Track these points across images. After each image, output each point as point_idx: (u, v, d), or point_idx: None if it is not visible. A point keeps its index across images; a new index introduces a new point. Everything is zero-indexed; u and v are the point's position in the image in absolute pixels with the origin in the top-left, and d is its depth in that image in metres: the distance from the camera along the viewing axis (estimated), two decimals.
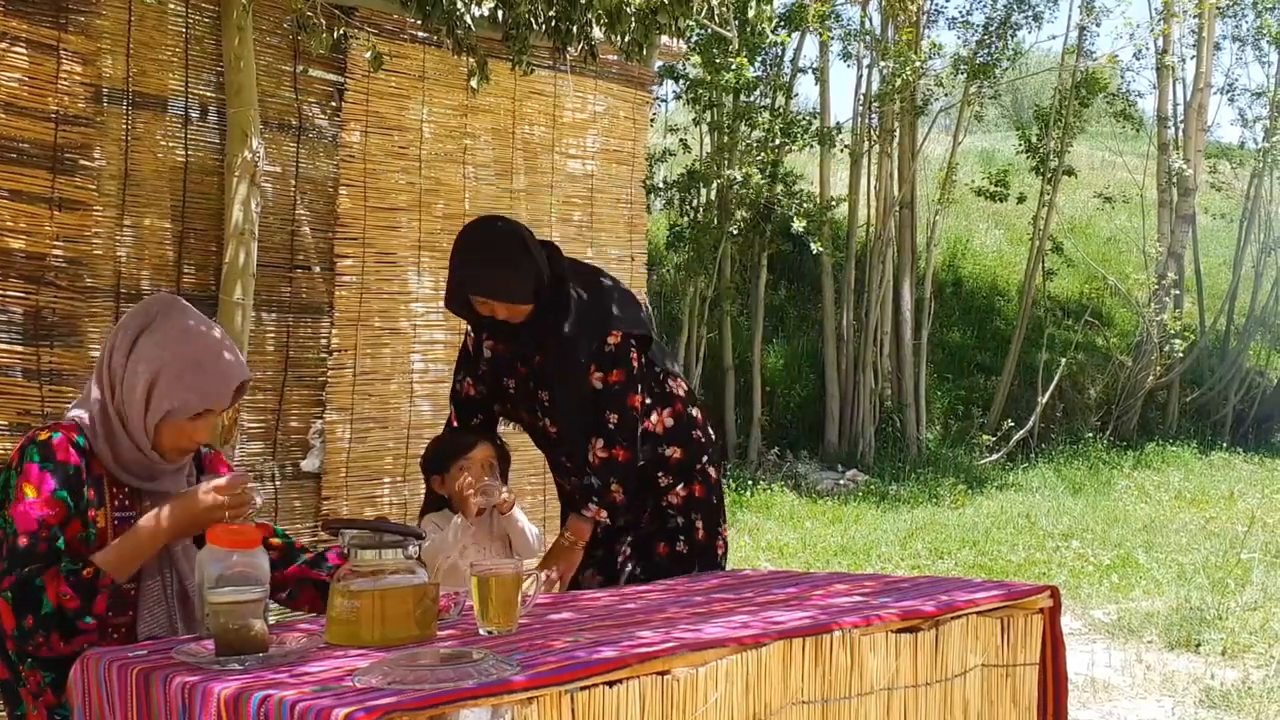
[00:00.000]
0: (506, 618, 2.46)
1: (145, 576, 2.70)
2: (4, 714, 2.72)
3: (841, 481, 12.19)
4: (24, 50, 3.87)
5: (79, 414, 2.73)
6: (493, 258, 3.39)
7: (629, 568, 3.58)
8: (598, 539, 3.52)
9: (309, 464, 4.59)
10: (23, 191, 3.88)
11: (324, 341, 4.66)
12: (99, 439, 2.69)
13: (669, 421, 3.59)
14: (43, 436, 2.66)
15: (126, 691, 2.21)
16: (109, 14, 4.06)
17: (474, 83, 4.50)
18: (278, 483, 4.51)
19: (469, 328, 3.67)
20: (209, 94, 4.32)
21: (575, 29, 4.39)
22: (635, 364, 3.50)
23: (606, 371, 3.47)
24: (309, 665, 2.17)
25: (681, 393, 3.66)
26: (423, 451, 3.64)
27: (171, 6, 4.21)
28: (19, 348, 3.89)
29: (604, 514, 3.44)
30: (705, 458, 3.67)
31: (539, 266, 3.43)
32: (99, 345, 4.05)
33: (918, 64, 12.74)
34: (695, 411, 3.68)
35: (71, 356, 3.99)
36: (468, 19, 4.29)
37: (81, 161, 4.00)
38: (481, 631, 2.45)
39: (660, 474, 3.58)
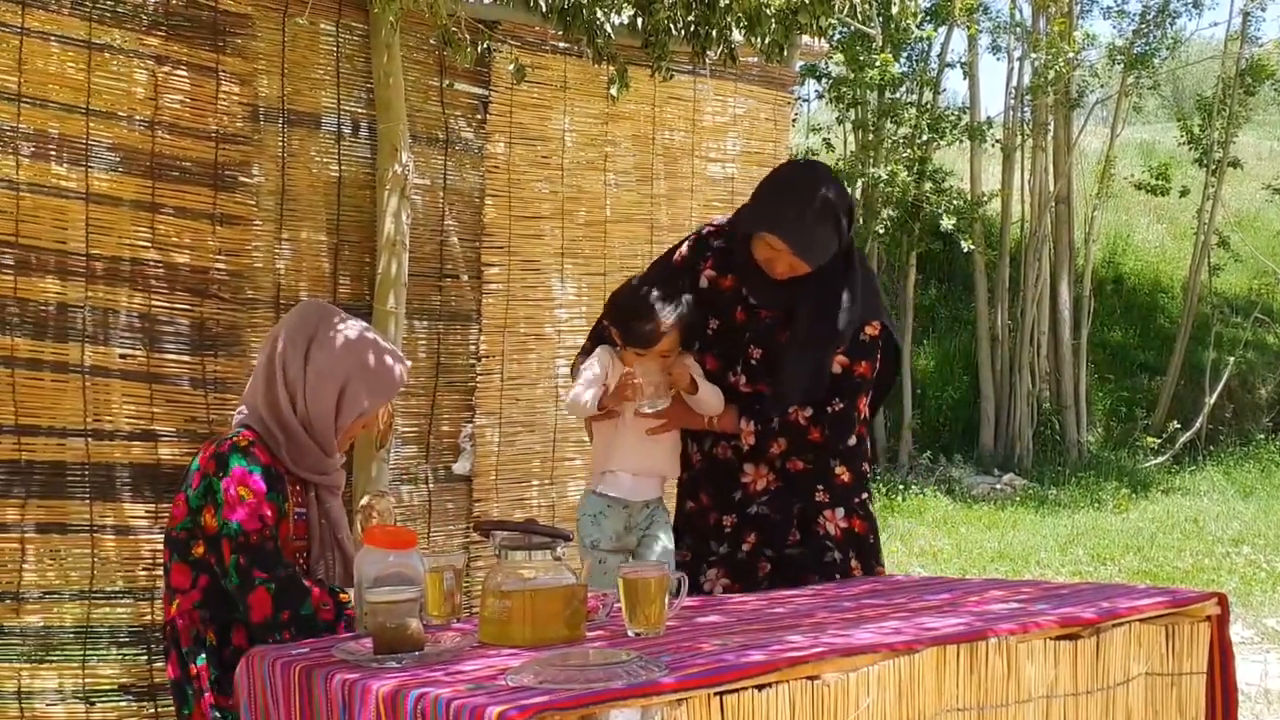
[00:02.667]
0: (655, 620, 2.47)
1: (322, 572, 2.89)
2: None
3: (998, 486, 11.93)
4: (185, 73, 4.02)
5: (250, 423, 2.88)
6: (818, 212, 3.18)
7: (765, 585, 3.35)
8: (736, 539, 3.36)
9: (460, 467, 4.67)
10: (187, 208, 4.04)
11: (472, 348, 4.74)
12: (280, 445, 2.87)
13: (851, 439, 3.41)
14: (242, 443, 2.81)
15: (289, 688, 2.28)
16: (264, 35, 4.20)
17: (614, 90, 4.53)
18: (431, 485, 4.61)
19: (690, 243, 3.46)
20: (360, 110, 4.43)
21: (714, 33, 4.39)
22: (878, 362, 3.36)
23: (855, 360, 3.30)
24: (463, 664, 2.20)
25: (865, 415, 3.46)
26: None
27: (323, 27, 4.34)
28: (185, 357, 4.04)
29: (751, 439, 3.27)
30: (866, 493, 3.48)
31: (845, 236, 3.26)
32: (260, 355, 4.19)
33: (1071, 55, 12.41)
34: (868, 441, 3.51)
35: (234, 365, 4.13)
36: (608, 28, 4.33)
37: (241, 178, 4.14)
38: (630, 633, 2.46)
39: (820, 488, 3.36)
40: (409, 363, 3.09)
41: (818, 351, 3.28)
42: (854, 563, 3.39)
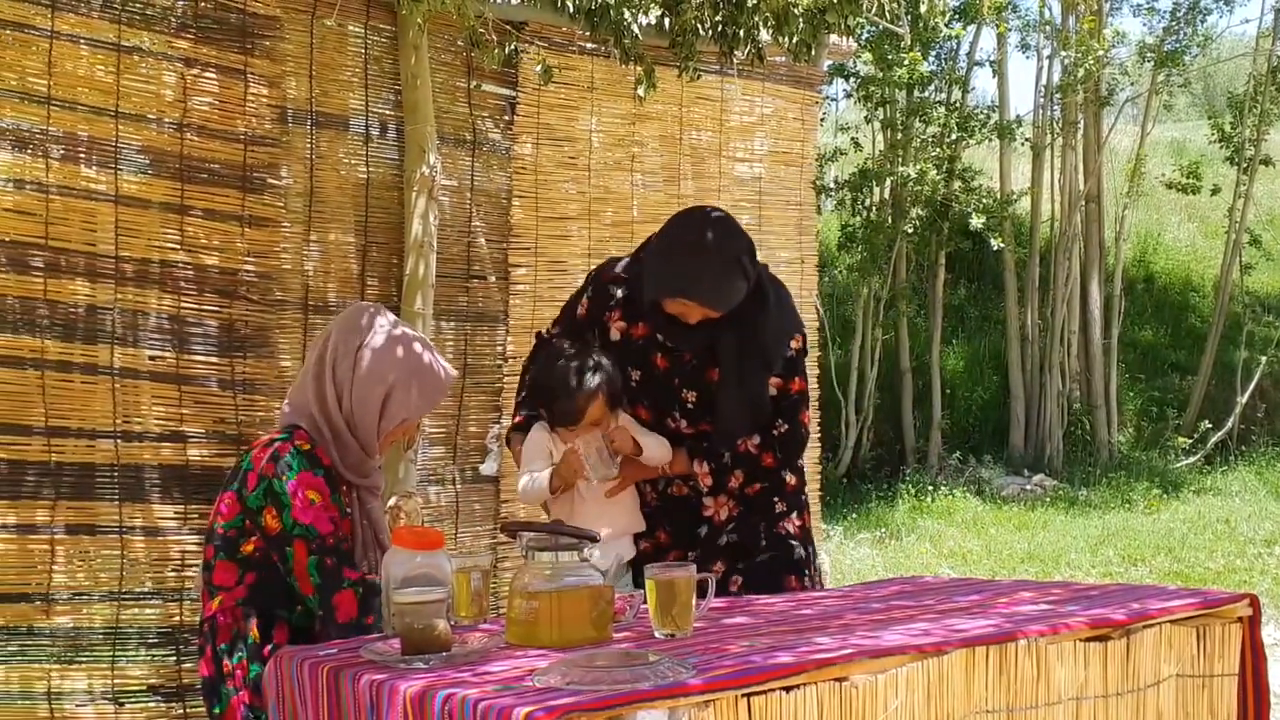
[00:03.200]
0: (682, 621, 2.46)
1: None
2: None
3: (1028, 486, 11.86)
4: (214, 75, 4.05)
5: (299, 421, 2.91)
6: (724, 266, 3.11)
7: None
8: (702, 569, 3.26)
9: (487, 468, 4.68)
10: (215, 210, 4.06)
11: (499, 349, 4.75)
12: (328, 444, 2.90)
13: None
14: (304, 446, 2.84)
15: (317, 688, 2.28)
16: (292, 38, 4.22)
17: (641, 91, 4.53)
18: (458, 486, 4.62)
19: (589, 295, 3.36)
20: (387, 112, 4.45)
21: (742, 32, 4.38)
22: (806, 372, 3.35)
23: (788, 378, 3.27)
24: (490, 665, 2.20)
25: (808, 427, 3.44)
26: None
27: (351, 28, 4.36)
28: (214, 359, 4.06)
29: (709, 480, 3.25)
30: (805, 487, 3.47)
31: (752, 273, 3.18)
32: (289, 356, 4.22)
33: (1101, 53, 12.33)
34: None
35: (263, 367, 4.15)
36: (635, 28, 4.33)
37: (269, 180, 4.16)
38: (657, 634, 2.46)
39: (777, 499, 3.34)
40: (455, 371, 3.11)
41: (751, 382, 3.23)
42: (811, 552, 3.40)
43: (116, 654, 3.88)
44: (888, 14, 4.69)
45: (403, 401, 2.93)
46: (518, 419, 3.40)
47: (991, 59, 13.71)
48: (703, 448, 3.29)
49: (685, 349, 3.26)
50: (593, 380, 3.17)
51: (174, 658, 3.95)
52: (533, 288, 4.82)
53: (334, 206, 4.34)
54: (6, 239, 3.74)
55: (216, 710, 2.79)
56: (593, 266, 4.88)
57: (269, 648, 2.77)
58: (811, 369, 5.65)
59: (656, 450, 3.25)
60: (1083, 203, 13.29)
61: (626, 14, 4.29)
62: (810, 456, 5.60)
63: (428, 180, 4.37)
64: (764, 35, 4.51)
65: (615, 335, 3.30)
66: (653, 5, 4.58)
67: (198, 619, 3.00)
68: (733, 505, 3.32)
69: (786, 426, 3.28)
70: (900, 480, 12.00)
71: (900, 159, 12.35)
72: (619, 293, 3.32)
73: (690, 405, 3.29)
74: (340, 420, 2.91)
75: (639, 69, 4.43)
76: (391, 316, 3.05)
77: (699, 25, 4.41)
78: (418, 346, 2.99)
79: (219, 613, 2.82)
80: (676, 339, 3.24)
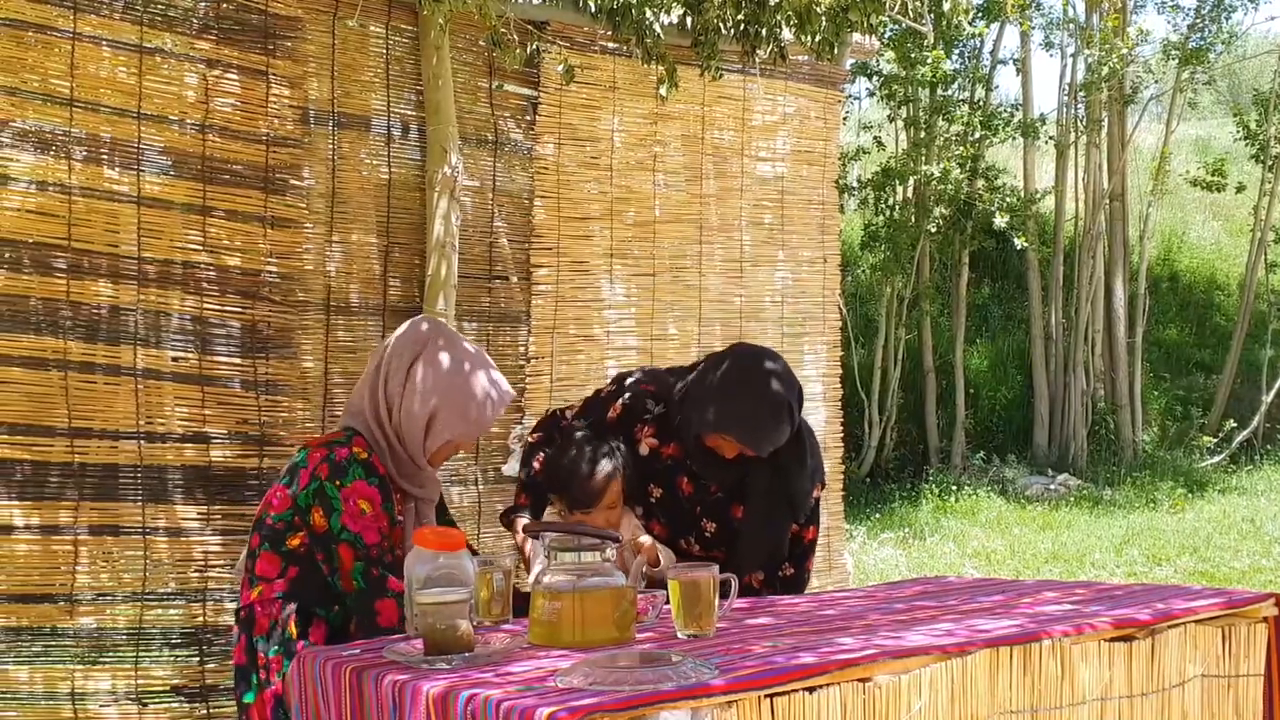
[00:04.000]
0: (705, 621, 2.45)
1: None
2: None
3: (1052, 486, 11.81)
4: (236, 76, 4.06)
5: (357, 427, 2.94)
6: (772, 409, 3.06)
7: None
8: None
9: (509, 468, 4.68)
10: (238, 211, 4.07)
11: (522, 349, 4.75)
12: (383, 453, 2.92)
13: None
14: (362, 455, 2.85)
15: (341, 689, 2.28)
16: (314, 38, 4.23)
17: (663, 90, 4.52)
18: (480, 487, 4.62)
19: (625, 402, 3.31)
20: (409, 112, 4.45)
21: (764, 31, 4.37)
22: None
23: (804, 526, 3.29)
24: (512, 665, 2.20)
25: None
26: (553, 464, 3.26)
27: (372, 29, 4.36)
28: (236, 360, 4.08)
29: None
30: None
31: (796, 420, 3.14)
32: (311, 357, 4.23)
33: (1125, 51, 12.26)
34: None
35: (285, 368, 4.16)
36: (657, 27, 4.32)
37: (291, 181, 4.17)
38: (680, 635, 2.45)
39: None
40: (512, 391, 3.10)
41: (776, 527, 3.23)
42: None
43: (140, 654, 3.90)
44: (911, 12, 4.68)
45: (448, 424, 2.94)
46: (522, 500, 3.38)
47: (1015, 57, 13.67)
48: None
49: (715, 482, 3.23)
50: (609, 465, 3.15)
51: (197, 658, 3.97)
52: (555, 288, 4.82)
53: (356, 207, 4.35)
54: (29, 240, 3.76)
55: (247, 699, 2.81)
56: (615, 266, 4.93)
57: (303, 644, 2.77)
58: (834, 369, 5.64)
59: (665, 561, 3.18)
60: (1107, 201, 13.22)
61: (648, 13, 4.29)
62: (833, 456, 5.59)
63: (450, 181, 4.37)
64: (786, 34, 4.49)
65: (644, 450, 3.27)
66: (675, 4, 4.58)
67: (234, 606, 3.01)
68: None
69: (793, 571, 3.30)
70: (924, 480, 11.96)
71: (923, 158, 12.31)
72: (655, 408, 3.27)
73: (709, 535, 3.28)
74: (390, 431, 2.94)
75: (661, 68, 4.43)
76: (452, 336, 3.05)
77: (721, 24, 4.41)
78: (470, 372, 2.99)
79: (258, 603, 2.83)
80: (708, 471, 3.21)
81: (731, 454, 3.13)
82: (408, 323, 3.08)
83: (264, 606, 2.83)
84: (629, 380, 3.39)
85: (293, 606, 2.81)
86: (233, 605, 4.02)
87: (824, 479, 3.36)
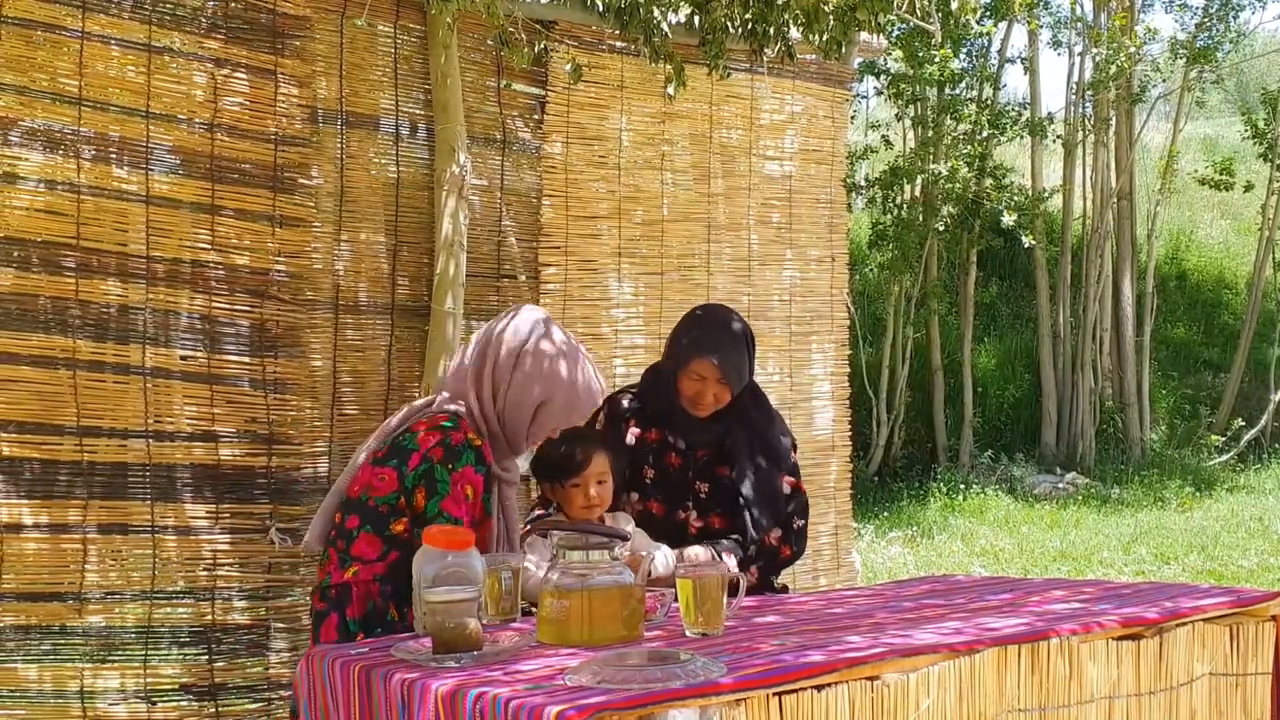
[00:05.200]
0: (714, 620, 2.45)
1: None
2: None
3: (1060, 485, 11.79)
4: (244, 75, 4.06)
5: (462, 412, 2.99)
6: (737, 339, 3.47)
7: None
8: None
9: (520, 466, 4.68)
10: (246, 210, 4.08)
11: None
12: (481, 436, 2.98)
13: None
14: (476, 442, 2.92)
15: (349, 687, 2.29)
16: (322, 38, 4.23)
17: (671, 89, 4.52)
18: None
19: (605, 413, 3.61)
20: (417, 112, 4.45)
21: (772, 30, 4.37)
22: None
23: (798, 478, 3.62)
24: (521, 664, 2.21)
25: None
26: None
27: (380, 28, 4.36)
28: (245, 359, 4.08)
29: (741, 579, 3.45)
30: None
31: (753, 365, 3.55)
32: (320, 355, 4.23)
33: (1133, 50, 12.24)
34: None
35: (294, 366, 4.16)
36: (664, 26, 4.32)
37: (300, 180, 4.18)
38: (689, 633, 2.45)
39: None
40: (605, 386, 3.21)
41: (767, 475, 3.53)
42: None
43: (149, 653, 3.90)
44: (918, 11, 4.67)
45: (553, 414, 3.03)
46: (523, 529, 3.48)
47: (1023, 56, 13.65)
48: (722, 545, 3.46)
49: (697, 445, 3.54)
50: (593, 440, 3.34)
51: (206, 657, 3.97)
52: (563, 287, 4.82)
53: (364, 206, 4.35)
54: (38, 239, 3.77)
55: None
56: (623, 265, 4.93)
57: (400, 629, 2.79)
58: (842, 367, 5.64)
59: (661, 566, 3.24)
60: (1115, 200, 13.20)
61: (656, 12, 4.28)
62: (841, 455, 5.59)
63: (458, 180, 4.37)
64: (794, 33, 4.49)
65: (631, 440, 3.55)
66: (682, 4, 4.57)
67: (316, 582, 2.99)
68: None
69: (801, 522, 3.58)
70: (932, 478, 11.95)
71: (931, 156, 12.30)
72: (632, 405, 3.62)
73: (703, 496, 3.54)
74: (493, 415, 3.01)
75: (669, 67, 4.43)
76: (558, 326, 3.14)
77: (729, 23, 4.40)
78: (580, 363, 3.09)
79: (354, 583, 2.84)
80: (688, 434, 3.53)
81: (708, 403, 3.46)
82: (516, 309, 3.16)
83: (360, 588, 2.84)
84: (607, 398, 3.66)
85: (389, 590, 2.84)
86: (242, 604, 4.03)
87: (793, 438, 3.68)
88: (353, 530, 2.88)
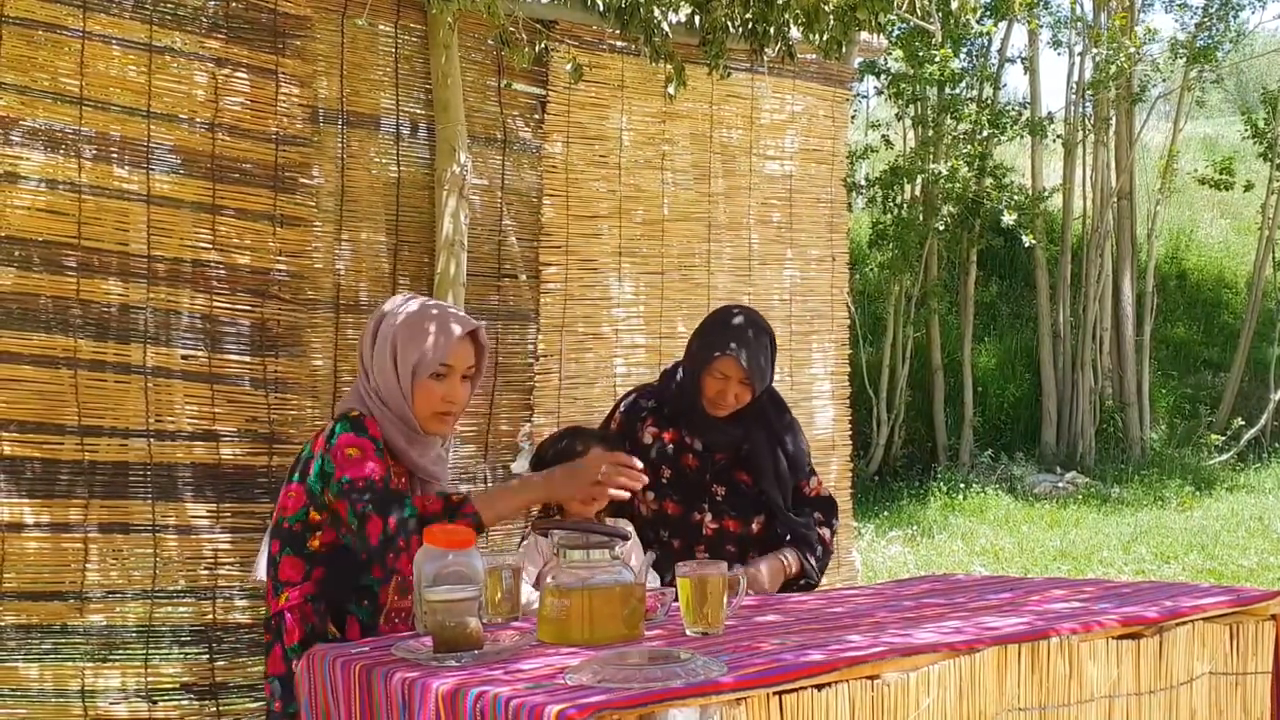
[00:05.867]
0: (714, 619, 2.46)
1: None
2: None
3: (1060, 484, 11.79)
4: (245, 75, 4.06)
5: (351, 406, 2.90)
6: (760, 337, 3.46)
7: None
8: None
9: (519, 466, 4.68)
10: (247, 210, 4.08)
11: (530, 347, 4.75)
12: (380, 424, 2.86)
13: None
14: (352, 414, 2.82)
15: (350, 686, 2.29)
16: (323, 38, 4.23)
17: (671, 89, 4.52)
18: (489, 484, 4.62)
19: (621, 411, 3.63)
20: (418, 111, 4.46)
21: (772, 30, 4.37)
22: None
23: (821, 482, 3.66)
24: (521, 663, 2.21)
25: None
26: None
27: (381, 28, 4.37)
28: (246, 358, 4.08)
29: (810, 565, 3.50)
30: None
31: (773, 367, 3.54)
32: (321, 355, 4.24)
33: (1132, 50, 12.24)
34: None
35: (295, 366, 4.17)
36: (665, 26, 4.32)
37: (301, 180, 4.18)
38: (689, 632, 2.45)
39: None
40: (473, 321, 2.98)
41: (785, 484, 3.52)
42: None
43: (150, 652, 3.91)
44: (919, 11, 4.67)
45: (405, 350, 2.84)
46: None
47: (1023, 55, 13.65)
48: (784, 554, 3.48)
49: (715, 447, 3.51)
50: (591, 432, 3.41)
51: (207, 656, 3.98)
52: (564, 286, 4.82)
53: (365, 206, 4.36)
54: (39, 239, 3.77)
55: (290, 710, 2.76)
56: (624, 265, 4.93)
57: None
58: (842, 367, 5.64)
59: (653, 582, 3.21)
60: (1115, 199, 13.20)
61: (656, 12, 4.29)
62: (841, 454, 5.59)
63: (458, 179, 4.37)
64: (794, 32, 4.49)
65: (648, 439, 3.53)
66: (683, 3, 4.58)
67: (263, 614, 2.97)
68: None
69: (836, 523, 3.63)
70: (932, 478, 11.95)
71: (931, 156, 12.30)
72: (649, 404, 3.60)
73: (719, 498, 3.51)
74: (372, 393, 2.88)
75: (669, 67, 4.43)
76: (414, 297, 3.01)
77: (729, 23, 4.41)
78: (428, 305, 2.95)
79: (286, 610, 2.79)
80: (707, 435, 3.51)
81: (729, 403, 3.42)
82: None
83: (293, 613, 2.79)
84: (622, 397, 3.72)
85: (325, 608, 2.79)
86: (243, 603, 4.04)
87: (807, 443, 3.69)
88: (276, 556, 2.82)
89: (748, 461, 3.51)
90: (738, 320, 3.50)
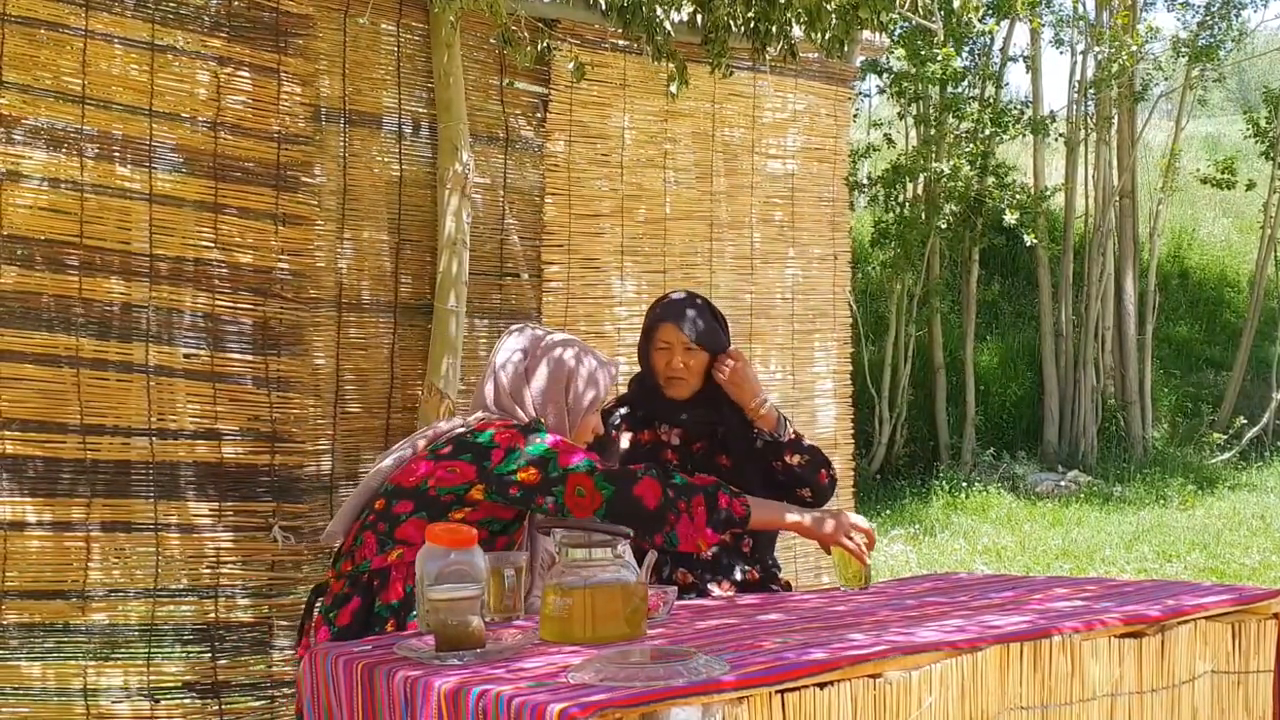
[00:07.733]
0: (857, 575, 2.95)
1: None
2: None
3: (1062, 483, 11.80)
4: (247, 74, 4.06)
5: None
6: (700, 307, 3.59)
7: None
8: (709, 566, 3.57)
9: None
10: (249, 209, 4.08)
11: None
12: None
13: None
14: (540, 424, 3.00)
15: (352, 685, 2.29)
16: (325, 36, 4.23)
17: (673, 88, 4.52)
18: None
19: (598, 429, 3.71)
20: (420, 110, 4.46)
21: (774, 29, 4.37)
22: None
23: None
24: (524, 661, 2.21)
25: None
26: None
27: (383, 27, 4.37)
28: (249, 357, 4.08)
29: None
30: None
31: (727, 336, 3.65)
32: (323, 353, 4.25)
33: (1135, 48, 12.24)
34: None
35: (297, 364, 4.17)
36: (667, 25, 4.32)
37: (303, 179, 4.18)
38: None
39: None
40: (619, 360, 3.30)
41: (750, 462, 3.57)
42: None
43: (152, 651, 3.91)
44: (921, 9, 4.67)
45: (589, 390, 3.11)
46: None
47: (1025, 54, 13.65)
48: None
49: (691, 438, 3.61)
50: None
51: (209, 655, 3.98)
52: (566, 285, 4.82)
53: (367, 204, 4.36)
54: (42, 237, 3.77)
55: None
56: (626, 263, 4.94)
57: None
58: (844, 365, 5.64)
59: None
60: (1117, 198, 13.21)
61: (659, 11, 4.29)
62: (843, 453, 5.59)
63: (461, 178, 4.37)
64: (796, 31, 4.49)
65: (625, 444, 3.62)
66: (685, 2, 4.58)
67: (347, 565, 2.92)
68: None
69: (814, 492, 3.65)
70: (934, 477, 11.95)
71: (934, 155, 12.30)
72: (621, 411, 3.71)
73: None
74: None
75: (671, 66, 4.43)
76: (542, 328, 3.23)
77: (731, 22, 4.41)
78: (574, 343, 3.19)
79: (394, 565, 2.81)
80: (679, 421, 3.61)
81: (678, 369, 3.53)
82: (505, 336, 3.21)
83: (399, 568, 2.81)
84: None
85: None
86: (245, 601, 4.04)
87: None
88: (401, 515, 2.84)
89: (725, 444, 3.59)
90: (672, 296, 3.67)
